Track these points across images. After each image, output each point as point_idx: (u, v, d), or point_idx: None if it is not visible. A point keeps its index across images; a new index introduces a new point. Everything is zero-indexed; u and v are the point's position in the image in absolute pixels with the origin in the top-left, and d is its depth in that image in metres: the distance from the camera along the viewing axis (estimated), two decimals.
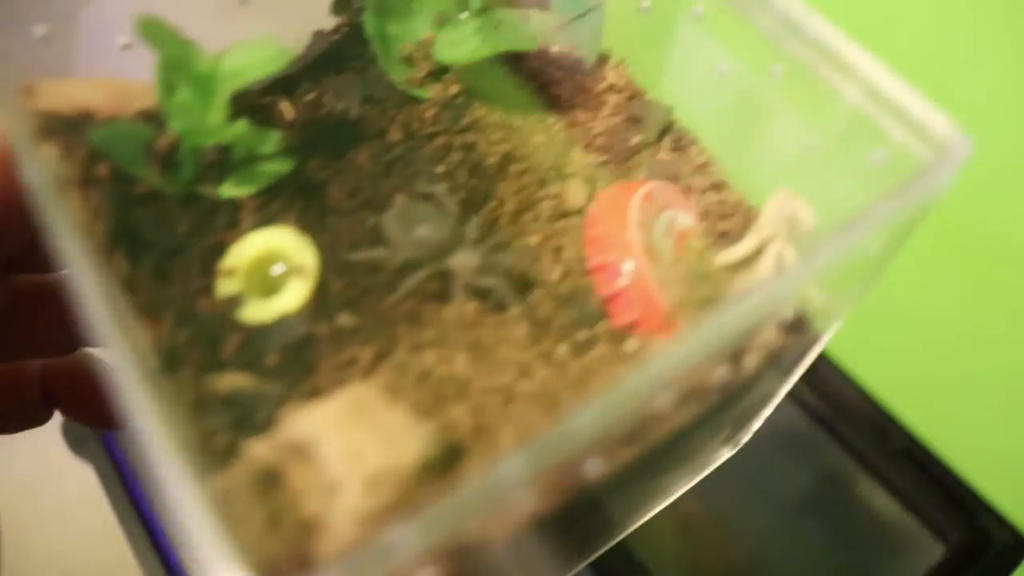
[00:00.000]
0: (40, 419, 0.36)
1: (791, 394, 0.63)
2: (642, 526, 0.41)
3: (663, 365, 0.22)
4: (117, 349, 0.22)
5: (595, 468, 0.24)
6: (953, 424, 0.64)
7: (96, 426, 0.37)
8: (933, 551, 0.61)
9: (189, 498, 0.20)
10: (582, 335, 0.29)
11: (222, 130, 0.30)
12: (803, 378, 0.63)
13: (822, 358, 0.64)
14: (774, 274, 0.29)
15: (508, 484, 0.21)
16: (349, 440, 0.24)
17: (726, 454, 0.41)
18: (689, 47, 0.32)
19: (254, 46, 0.30)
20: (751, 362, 0.28)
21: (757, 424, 0.40)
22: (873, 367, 0.65)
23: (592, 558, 0.38)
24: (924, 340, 0.68)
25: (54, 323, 0.35)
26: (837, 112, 0.28)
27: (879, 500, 0.63)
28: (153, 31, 0.28)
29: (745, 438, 0.41)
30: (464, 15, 0.33)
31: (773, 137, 0.31)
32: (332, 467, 0.23)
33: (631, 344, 0.29)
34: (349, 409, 0.25)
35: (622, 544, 0.55)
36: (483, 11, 0.33)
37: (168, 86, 0.29)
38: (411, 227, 0.30)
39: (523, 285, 0.30)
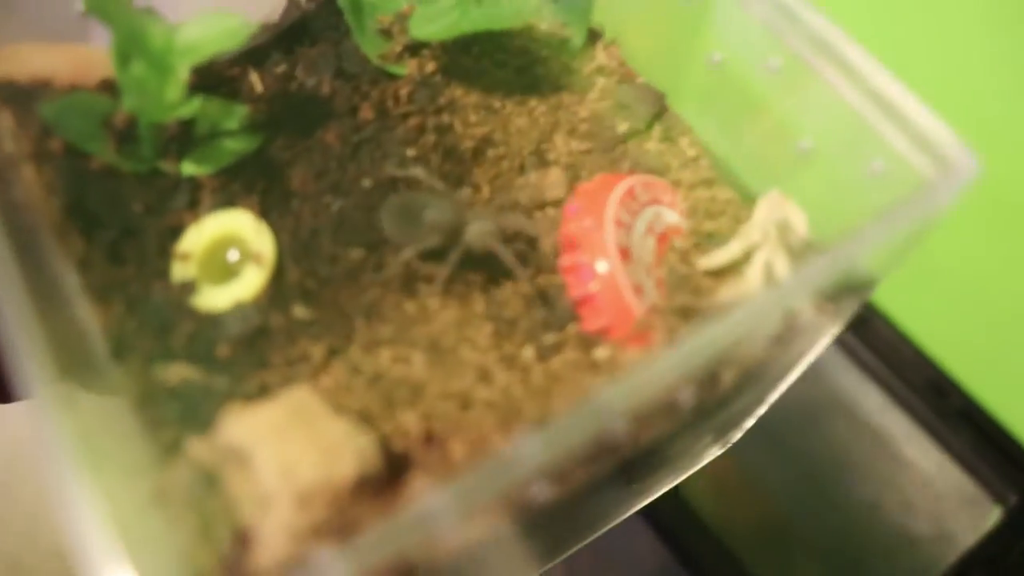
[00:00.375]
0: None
1: (846, 351, 0.62)
2: (698, 480, 0.41)
3: (621, 393, 0.21)
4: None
5: (547, 492, 0.23)
6: (1011, 385, 0.63)
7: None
8: (990, 513, 0.60)
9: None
10: (549, 338, 0.28)
11: (179, 106, 0.28)
12: (859, 336, 0.62)
13: (878, 316, 0.63)
14: (760, 283, 0.27)
15: (444, 514, 0.20)
16: (285, 450, 0.23)
17: (716, 452, 0.40)
18: (684, 32, 0.30)
19: (213, 19, 0.28)
20: (729, 378, 0.26)
21: (749, 424, 0.38)
22: (930, 326, 0.63)
23: (564, 556, 0.37)
24: (981, 300, 0.65)
25: None
26: (836, 115, 0.26)
27: (935, 461, 0.62)
28: (102, 4, 0.27)
29: (736, 436, 0.40)
30: None
31: (766, 135, 0.29)
32: (266, 478, 0.22)
33: (600, 352, 0.27)
34: (289, 415, 0.24)
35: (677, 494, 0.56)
36: None
37: (123, 60, 0.28)
38: (416, 217, 0.28)
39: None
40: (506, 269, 0.28)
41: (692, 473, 0.40)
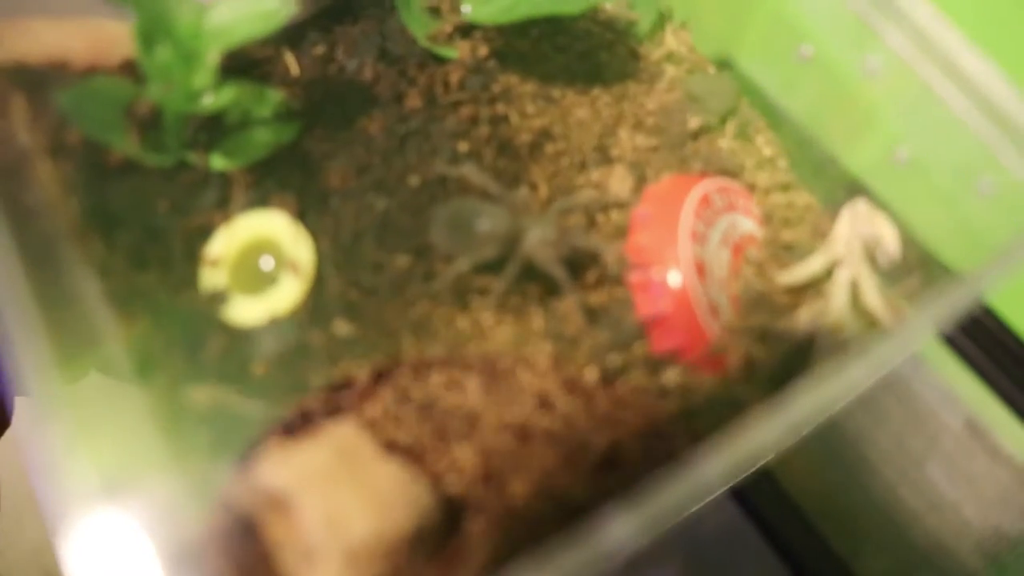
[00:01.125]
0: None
1: (946, 340, 0.60)
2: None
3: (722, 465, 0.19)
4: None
5: None
6: None
7: None
8: None
9: None
10: (614, 359, 0.26)
11: (209, 95, 0.26)
12: (962, 327, 0.60)
13: (986, 312, 0.61)
14: (844, 304, 0.25)
15: None
16: (332, 498, 0.21)
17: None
18: (768, 18, 0.27)
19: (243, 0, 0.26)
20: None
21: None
22: None
23: None
24: None
25: None
26: (940, 123, 0.24)
27: None
28: None
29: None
30: None
31: (857, 139, 0.27)
32: (312, 529, 0.21)
33: (670, 375, 0.25)
34: (335, 456, 0.22)
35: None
36: None
37: (147, 44, 0.25)
38: (469, 227, 0.26)
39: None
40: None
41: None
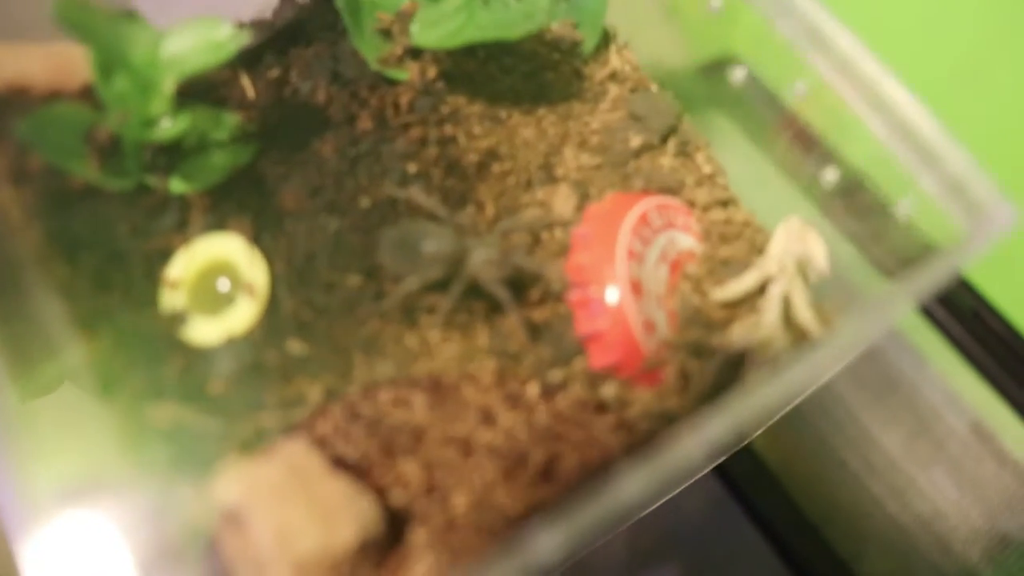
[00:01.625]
0: None
1: (951, 342, 0.61)
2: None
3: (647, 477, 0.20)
4: None
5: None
6: None
7: None
8: None
9: None
10: (555, 374, 0.27)
11: (166, 123, 0.27)
12: (968, 330, 0.61)
13: (989, 310, 0.62)
14: (776, 319, 0.27)
15: None
16: (283, 513, 0.23)
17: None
18: (706, 40, 0.29)
19: (202, 27, 0.27)
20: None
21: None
22: None
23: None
24: None
25: None
26: (864, 147, 0.25)
27: None
28: (74, 16, 0.26)
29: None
30: None
31: (788, 160, 0.28)
32: (263, 543, 0.22)
33: (608, 389, 0.27)
34: (287, 474, 0.24)
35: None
36: None
37: (104, 74, 0.27)
38: (415, 248, 0.28)
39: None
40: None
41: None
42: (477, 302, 0.28)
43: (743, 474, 0.62)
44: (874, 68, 0.25)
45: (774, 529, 0.61)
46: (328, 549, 0.22)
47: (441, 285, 0.28)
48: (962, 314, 0.60)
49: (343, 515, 0.23)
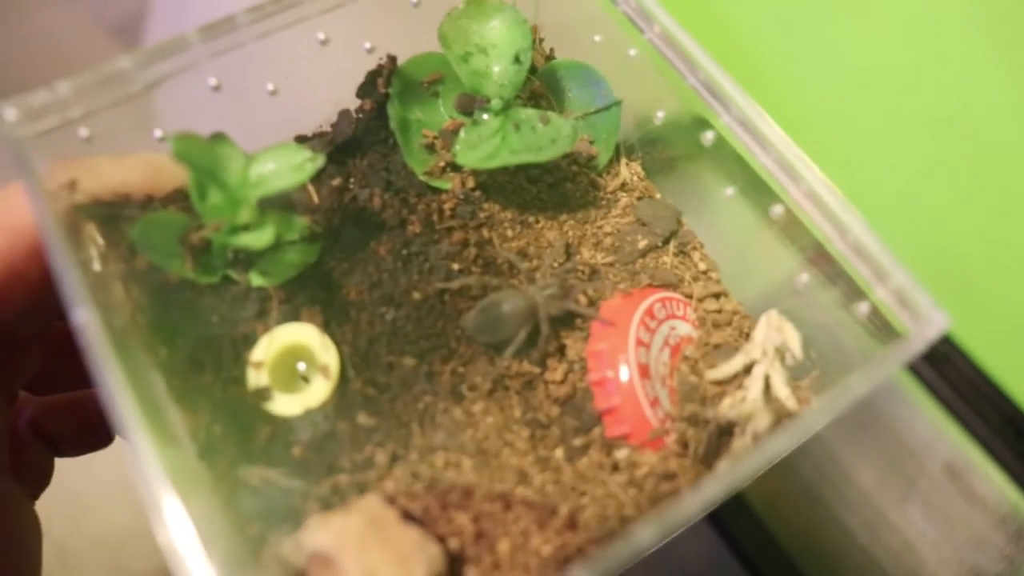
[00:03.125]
0: (103, 443, 0.43)
1: (923, 385, 0.67)
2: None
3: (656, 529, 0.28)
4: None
5: None
6: None
7: None
8: None
9: None
10: (578, 441, 0.35)
11: (252, 231, 0.35)
12: (938, 371, 0.67)
13: (959, 353, 0.67)
14: (758, 394, 0.34)
15: None
16: (366, 557, 0.30)
17: None
18: (702, 164, 0.37)
19: (284, 153, 0.35)
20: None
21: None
22: (1011, 364, 0.68)
23: None
24: None
25: None
26: (828, 261, 0.33)
27: (1010, 500, 0.67)
28: (187, 147, 0.33)
29: None
30: (485, 116, 0.37)
31: (769, 263, 0.36)
32: None
33: (620, 453, 0.35)
34: (367, 524, 0.31)
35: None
36: (504, 110, 0.37)
37: (200, 192, 0.34)
38: (499, 316, 0.36)
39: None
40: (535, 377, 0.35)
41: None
42: (513, 379, 0.36)
43: (726, 510, 0.69)
44: (835, 197, 0.33)
45: (754, 562, 0.68)
46: None
47: (533, 340, 0.36)
48: (933, 357, 0.68)
49: (416, 558, 0.30)
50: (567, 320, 0.37)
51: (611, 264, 0.38)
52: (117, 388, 0.29)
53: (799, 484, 0.71)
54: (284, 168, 0.35)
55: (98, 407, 0.44)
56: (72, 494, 0.40)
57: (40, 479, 0.43)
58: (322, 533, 0.31)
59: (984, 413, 0.67)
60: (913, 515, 0.69)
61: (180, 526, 0.27)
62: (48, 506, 0.41)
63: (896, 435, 0.69)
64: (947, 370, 0.68)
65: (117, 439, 0.46)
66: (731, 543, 0.72)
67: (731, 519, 0.71)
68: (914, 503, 0.69)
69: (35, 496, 0.42)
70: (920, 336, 0.31)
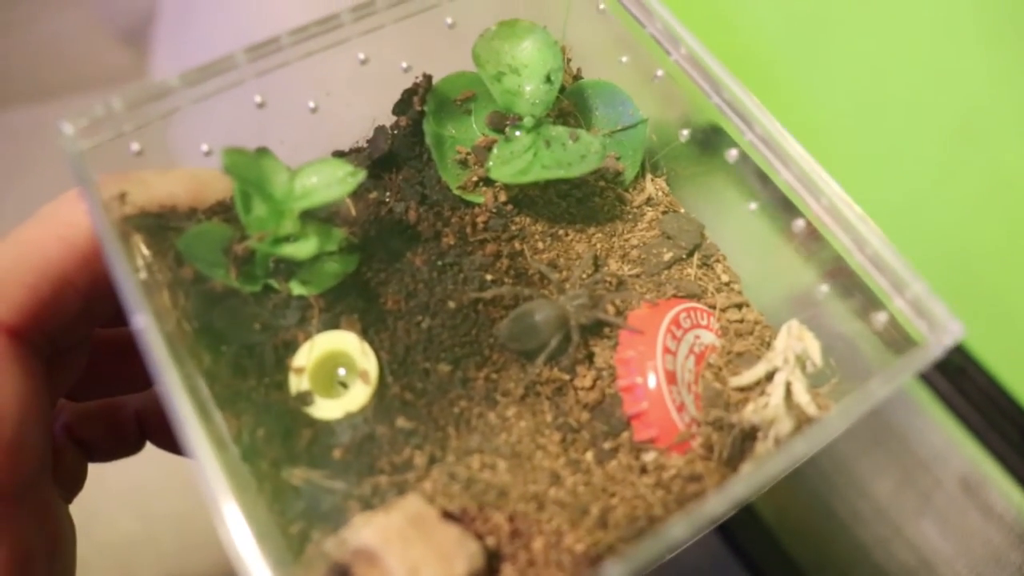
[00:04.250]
0: (134, 449, 0.46)
1: (940, 398, 0.69)
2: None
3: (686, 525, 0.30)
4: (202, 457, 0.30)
5: None
6: None
7: (184, 454, 0.46)
8: None
9: None
10: (607, 444, 0.37)
11: (295, 243, 0.37)
12: (954, 385, 0.68)
13: (975, 366, 0.68)
14: (780, 401, 0.37)
15: None
16: (410, 553, 0.32)
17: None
18: (727, 181, 0.39)
19: (327, 168, 0.37)
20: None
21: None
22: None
23: None
24: None
25: (131, 364, 0.44)
26: (847, 273, 0.36)
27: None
28: (235, 160, 0.35)
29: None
30: (517, 133, 0.40)
31: (790, 274, 0.39)
32: None
33: (648, 456, 0.37)
34: (409, 522, 0.33)
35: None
36: (535, 127, 0.40)
37: (246, 203, 0.37)
38: (532, 324, 0.38)
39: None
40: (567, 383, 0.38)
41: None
42: (544, 385, 0.38)
43: (739, 523, 0.70)
44: (854, 212, 0.35)
45: None
46: None
47: (564, 346, 0.39)
48: (949, 370, 0.69)
49: (457, 554, 0.33)
50: (595, 329, 0.39)
51: (637, 276, 0.41)
52: (175, 389, 0.31)
53: (811, 498, 0.73)
54: (327, 181, 0.37)
55: (129, 414, 0.46)
56: (79, 501, 0.42)
57: (74, 483, 0.45)
58: (366, 530, 0.33)
59: (1001, 427, 0.69)
60: (928, 531, 0.70)
61: (238, 524, 0.29)
62: None
63: (911, 448, 0.71)
64: (963, 383, 0.70)
65: (147, 446, 0.48)
66: (742, 556, 0.73)
67: (742, 532, 0.72)
68: (929, 518, 0.70)
69: (69, 500, 0.44)
70: (936, 344, 0.34)
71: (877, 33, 0.66)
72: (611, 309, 0.39)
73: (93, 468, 0.46)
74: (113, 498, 0.86)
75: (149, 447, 0.48)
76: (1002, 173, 0.62)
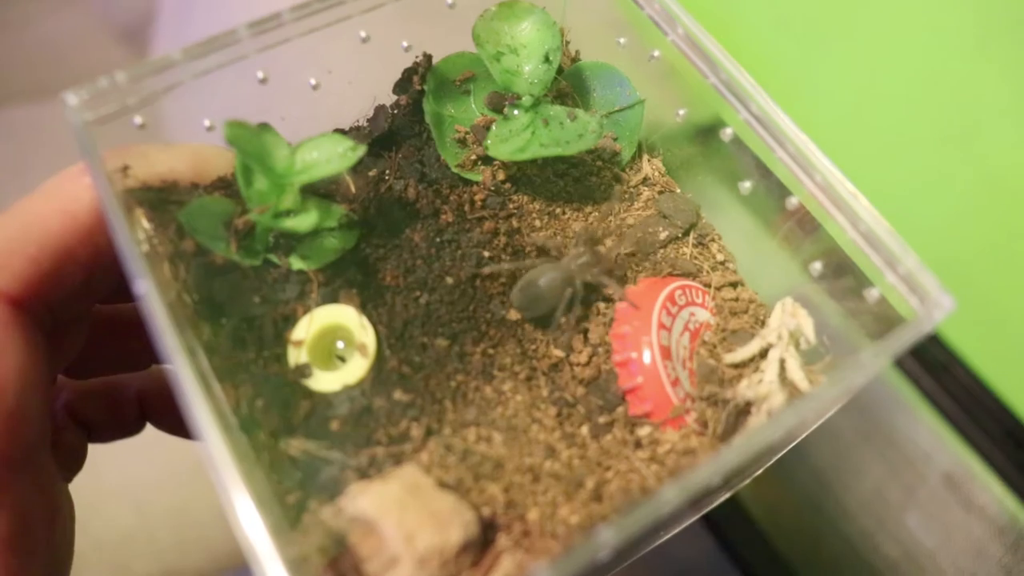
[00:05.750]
0: (135, 430, 0.46)
1: (924, 395, 0.70)
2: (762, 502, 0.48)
3: (677, 492, 0.31)
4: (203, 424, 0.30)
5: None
6: None
7: (184, 436, 0.46)
8: None
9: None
10: (602, 419, 0.38)
11: (295, 217, 0.38)
12: (938, 382, 0.69)
13: (959, 364, 0.69)
14: (774, 377, 0.37)
15: None
16: (406, 520, 0.33)
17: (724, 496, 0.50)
18: (721, 161, 0.40)
19: (329, 142, 0.38)
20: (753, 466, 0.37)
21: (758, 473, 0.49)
22: (1011, 377, 0.71)
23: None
24: None
25: (132, 342, 0.44)
26: (840, 250, 0.36)
27: (1009, 511, 0.69)
28: (237, 133, 0.36)
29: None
30: (516, 112, 0.40)
31: (784, 253, 0.39)
32: (391, 543, 0.33)
33: (643, 430, 0.38)
34: (406, 490, 0.34)
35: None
36: (534, 106, 0.41)
37: (247, 177, 0.37)
38: (538, 288, 0.39)
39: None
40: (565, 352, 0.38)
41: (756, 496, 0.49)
42: (540, 361, 0.39)
43: (729, 521, 0.71)
44: (848, 187, 0.36)
45: (753, 571, 0.70)
46: (443, 546, 0.33)
47: (571, 304, 0.39)
48: (933, 367, 0.70)
49: (452, 521, 0.33)
50: (592, 299, 0.40)
51: (633, 254, 0.41)
52: (177, 354, 0.32)
53: (798, 493, 0.73)
54: (328, 156, 0.38)
55: (130, 395, 0.47)
56: (75, 495, 0.43)
57: (75, 462, 0.45)
58: (363, 498, 0.34)
59: (984, 424, 0.70)
60: (912, 525, 0.70)
61: (239, 492, 0.30)
62: None
63: (896, 445, 0.72)
64: (947, 380, 0.71)
65: (146, 438, 0.48)
66: (730, 551, 0.74)
67: (731, 527, 0.73)
68: (913, 513, 0.71)
69: (68, 479, 0.44)
70: (927, 318, 0.34)
71: (869, 36, 0.67)
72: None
73: (89, 463, 0.46)
74: (110, 493, 0.87)
75: (147, 438, 0.49)
76: (992, 175, 0.62)
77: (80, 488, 0.45)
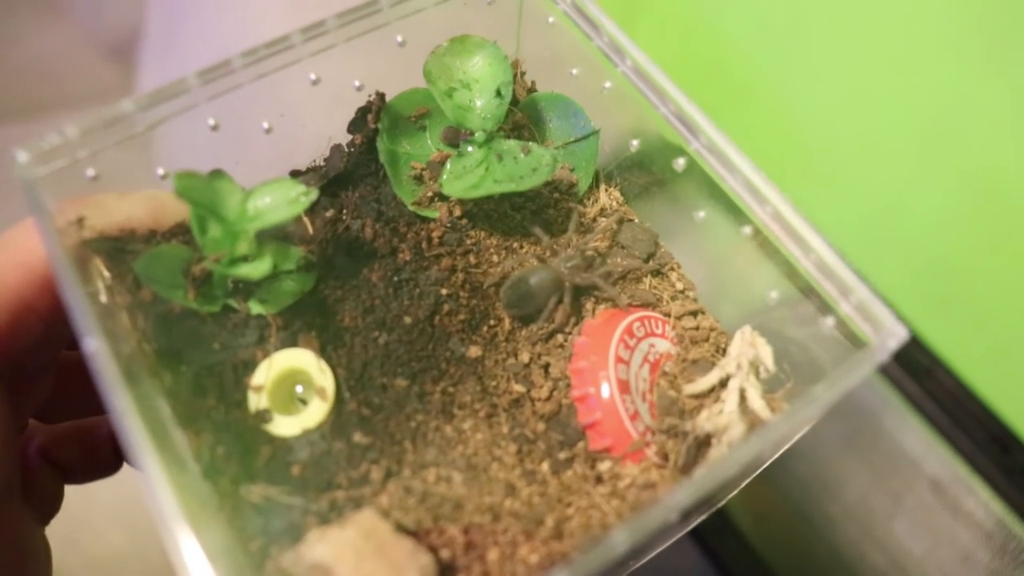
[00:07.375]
0: (111, 469, 0.47)
1: (909, 401, 0.69)
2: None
3: (632, 531, 0.31)
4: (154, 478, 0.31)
5: None
6: None
7: None
8: None
9: None
10: (563, 455, 0.38)
11: (251, 263, 0.38)
12: (923, 387, 0.69)
13: (943, 368, 0.69)
14: (734, 407, 0.38)
15: None
16: (363, 567, 0.33)
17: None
18: (676, 189, 0.40)
19: (280, 188, 0.38)
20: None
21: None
22: (996, 381, 0.70)
23: None
24: None
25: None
26: (795, 278, 0.36)
27: (995, 516, 0.68)
28: (187, 184, 0.36)
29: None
30: (470, 148, 0.41)
31: (740, 281, 0.39)
32: None
33: (603, 465, 0.38)
34: (363, 536, 0.34)
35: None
36: (487, 141, 0.41)
37: (201, 227, 0.37)
38: (528, 288, 0.40)
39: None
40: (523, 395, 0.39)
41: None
42: (501, 397, 0.39)
43: (715, 532, 0.71)
44: (798, 218, 0.36)
45: None
46: None
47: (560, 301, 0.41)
48: (916, 372, 0.70)
49: (409, 567, 0.33)
50: (552, 339, 0.40)
51: (593, 285, 0.41)
52: (126, 412, 0.32)
53: (785, 502, 0.73)
54: (280, 202, 0.38)
55: (104, 435, 0.47)
56: (68, 515, 0.43)
57: (50, 505, 0.46)
58: (320, 546, 0.34)
59: (969, 428, 0.69)
60: (899, 531, 0.70)
61: (189, 545, 0.30)
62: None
63: (882, 451, 0.72)
64: (932, 386, 0.70)
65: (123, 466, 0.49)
66: (717, 562, 0.74)
67: (717, 538, 0.73)
68: (900, 519, 0.70)
69: (45, 522, 0.45)
70: (881, 347, 0.34)
71: (853, 39, 0.67)
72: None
73: (84, 485, 0.47)
74: (101, 512, 0.87)
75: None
76: (974, 178, 0.62)
77: (72, 507, 0.45)
